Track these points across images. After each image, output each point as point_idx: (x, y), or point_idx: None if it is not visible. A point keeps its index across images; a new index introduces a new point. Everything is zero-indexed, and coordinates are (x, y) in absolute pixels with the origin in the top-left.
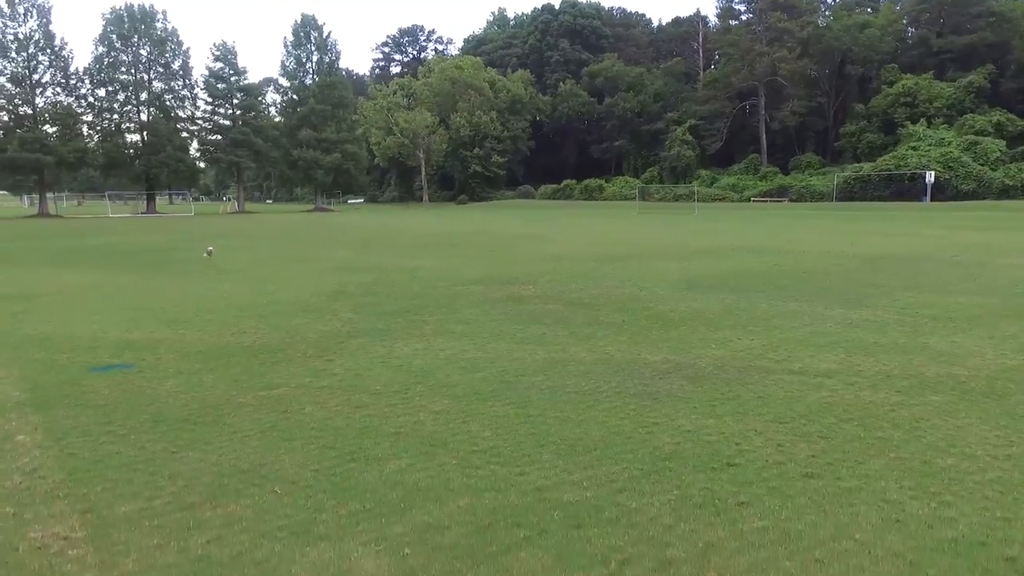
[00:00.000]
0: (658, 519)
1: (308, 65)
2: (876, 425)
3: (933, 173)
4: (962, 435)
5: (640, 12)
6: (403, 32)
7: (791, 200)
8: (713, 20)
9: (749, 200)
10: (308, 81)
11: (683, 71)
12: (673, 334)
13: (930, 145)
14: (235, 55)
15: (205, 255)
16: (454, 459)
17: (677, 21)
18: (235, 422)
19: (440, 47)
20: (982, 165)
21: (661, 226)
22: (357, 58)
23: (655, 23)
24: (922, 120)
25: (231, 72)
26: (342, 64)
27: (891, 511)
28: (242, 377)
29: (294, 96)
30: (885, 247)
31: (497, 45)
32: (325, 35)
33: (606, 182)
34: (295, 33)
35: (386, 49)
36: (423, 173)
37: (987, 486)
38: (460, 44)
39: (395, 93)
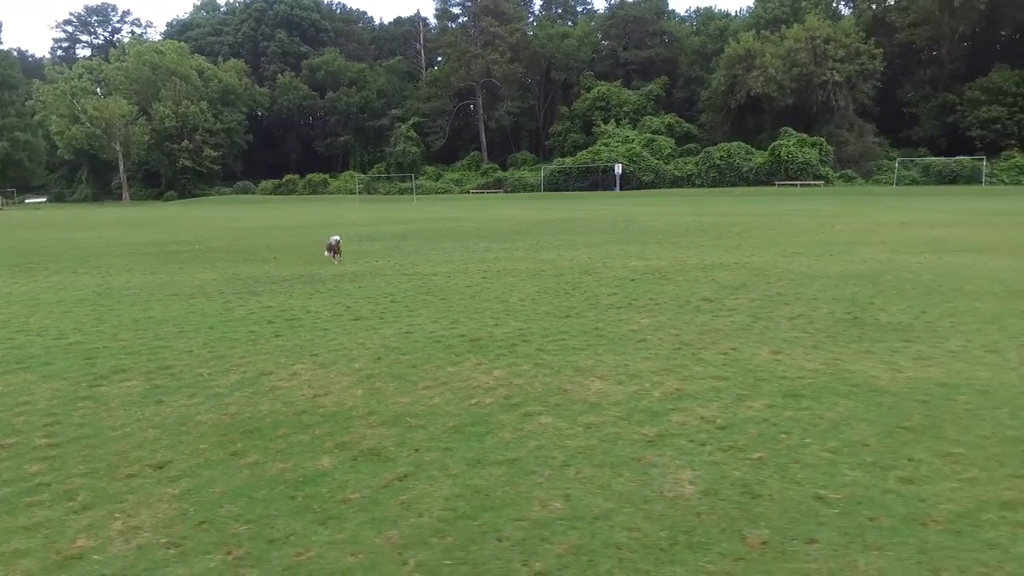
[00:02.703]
0: (189, 351)
1: None
2: (443, 294)
3: (621, 166)
4: (511, 293)
5: (361, 9)
6: (90, 10)
7: (506, 191)
8: (433, 21)
9: (469, 192)
10: None
11: (406, 69)
12: (317, 262)
13: (618, 142)
14: None
15: (328, 255)
16: None
17: (399, 20)
18: None
19: (138, 29)
20: (658, 159)
21: (373, 210)
22: (31, 36)
23: (377, 21)
24: (612, 121)
25: None
26: (8, 40)
27: (408, 329)
28: None
29: None
30: (563, 216)
31: (206, 31)
32: None
33: (331, 177)
34: None
35: (69, 28)
36: (121, 168)
37: (508, 312)
38: (162, 28)
39: (81, 77)
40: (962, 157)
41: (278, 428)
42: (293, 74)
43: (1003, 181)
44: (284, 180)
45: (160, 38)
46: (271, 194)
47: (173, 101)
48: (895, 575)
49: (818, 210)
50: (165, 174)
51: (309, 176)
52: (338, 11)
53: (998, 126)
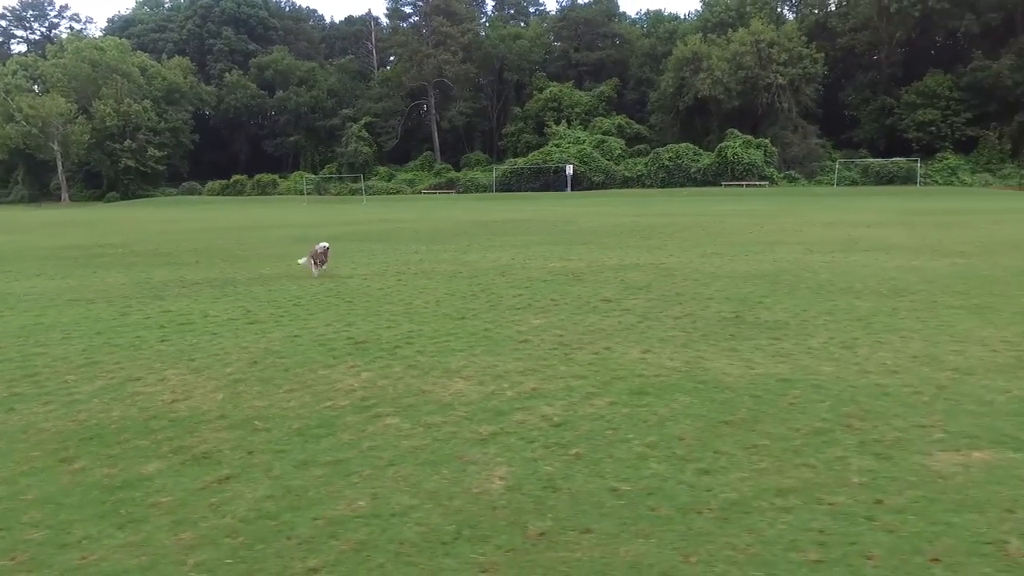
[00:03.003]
0: (64, 357)
1: None
2: (351, 296)
3: (572, 167)
4: (419, 295)
5: (312, 7)
6: (26, 4)
7: (458, 192)
8: (385, 21)
9: (421, 192)
10: None
11: (357, 69)
12: (239, 264)
13: (569, 143)
14: None
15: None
16: None
17: (350, 19)
18: None
19: (77, 25)
20: (608, 160)
21: (319, 211)
22: None
23: (328, 20)
24: (563, 122)
25: None
26: None
27: (299, 333)
28: None
29: None
30: (507, 217)
31: (149, 28)
32: None
33: (281, 177)
34: None
35: (3, 23)
36: (60, 168)
37: (407, 314)
38: (103, 24)
39: (15, 73)
40: (899, 158)
41: (121, 434)
42: (241, 72)
43: (936, 181)
44: (232, 181)
45: (100, 34)
46: (218, 195)
47: (115, 99)
48: (649, 561)
49: (755, 210)
50: (107, 175)
51: (258, 176)
52: (287, 9)
53: (932, 128)
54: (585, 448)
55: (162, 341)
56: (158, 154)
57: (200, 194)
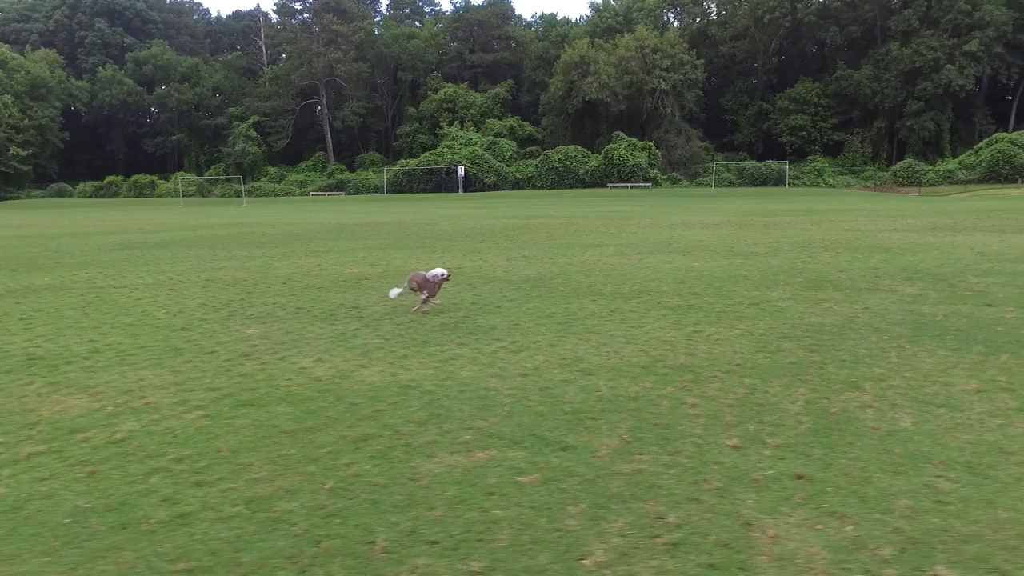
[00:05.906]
0: None
1: None
2: (96, 308)
3: (463, 168)
4: (169, 304)
5: (196, 1)
6: None
7: (348, 194)
8: (275, 16)
9: (309, 195)
10: None
11: (245, 66)
12: (23, 274)
13: (461, 144)
14: None
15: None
16: None
17: (238, 14)
18: None
19: None
20: (500, 162)
21: (183, 214)
22: None
23: (214, 14)
24: (456, 123)
25: None
26: None
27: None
28: None
29: None
30: (374, 220)
31: (10, 17)
32: None
33: (160, 178)
34: None
35: None
36: None
37: (130, 326)
38: None
39: None
40: (771, 161)
41: None
42: (116, 67)
43: (804, 183)
44: (106, 182)
45: None
46: (91, 197)
47: None
48: None
49: (622, 212)
50: None
51: (135, 178)
52: (167, 1)
53: (804, 133)
54: (108, 466)
55: None
56: (22, 153)
57: (71, 196)
